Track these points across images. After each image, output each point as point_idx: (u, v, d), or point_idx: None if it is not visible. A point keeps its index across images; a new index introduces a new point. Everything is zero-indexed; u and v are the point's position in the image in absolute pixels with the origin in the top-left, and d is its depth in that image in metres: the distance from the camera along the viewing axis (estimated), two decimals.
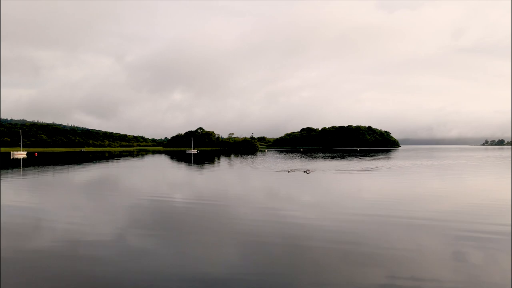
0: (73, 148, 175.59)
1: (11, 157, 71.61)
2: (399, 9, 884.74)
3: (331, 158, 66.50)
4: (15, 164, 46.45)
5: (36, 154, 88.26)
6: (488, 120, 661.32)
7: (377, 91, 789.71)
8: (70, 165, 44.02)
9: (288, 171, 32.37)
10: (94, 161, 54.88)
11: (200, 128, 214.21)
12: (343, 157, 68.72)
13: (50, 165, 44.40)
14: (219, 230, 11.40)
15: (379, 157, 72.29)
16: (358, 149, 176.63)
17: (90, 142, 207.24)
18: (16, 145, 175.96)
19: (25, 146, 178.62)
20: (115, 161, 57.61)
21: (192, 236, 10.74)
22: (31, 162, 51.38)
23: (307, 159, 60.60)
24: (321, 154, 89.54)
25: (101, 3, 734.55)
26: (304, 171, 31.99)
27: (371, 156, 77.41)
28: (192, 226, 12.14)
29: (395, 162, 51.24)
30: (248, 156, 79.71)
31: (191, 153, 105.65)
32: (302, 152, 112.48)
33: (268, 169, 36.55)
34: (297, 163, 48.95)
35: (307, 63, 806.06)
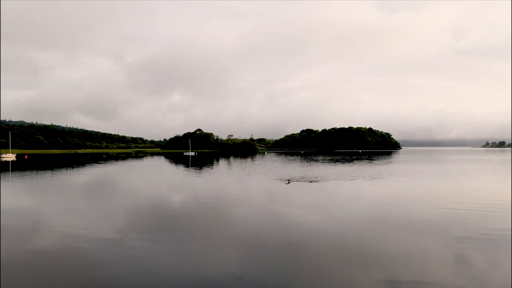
0: (69, 150, 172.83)
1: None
2: (399, 10, 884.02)
3: (335, 161, 63.45)
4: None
5: (26, 156, 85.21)
6: (488, 121, 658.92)
7: (377, 92, 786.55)
8: (54, 169, 41.15)
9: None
10: (82, 165, 51.98)
11: (199, 129, 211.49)
12: (348, 161, 65.74)
13: (33, 169, 41.42)
14: (218, 232, 11.50)
15: (387, 160, 69.48)
16: (360, 151, 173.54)
17: (87, 143, 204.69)
18: (12, 146, 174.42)
19: (21, 147, 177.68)
20: (107, 164, 54.75)
21: (191, 239, 10.75)
22: (18, 165, 48.48)
23: (309, 163, 57.62)
24: (324, 157, 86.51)
25: (101, 3, 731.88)
26: (310, 181, 27.07)
27: (378, 159, 74.49)
28: (189, 228, 12.15)
29: (413, 167, 46.90)
30: (247, 159, 76.83)
31: (189, 155, 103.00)
32: (302, 155, 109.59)
33: (268, 177, 33.63)
34: (301, 168, 46.01)
35: (307, 63, 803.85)
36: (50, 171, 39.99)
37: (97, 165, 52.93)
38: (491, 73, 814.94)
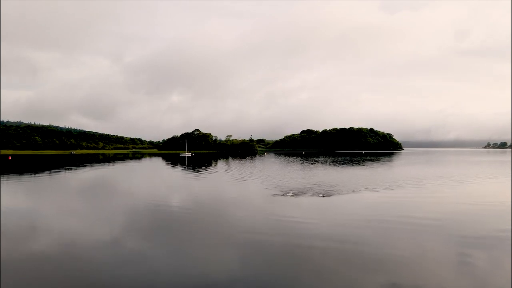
0: (63, 151, 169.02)
1: None
2: (400, 10, 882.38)
3: (342, 163, 59.26)
4: None
5: (9, 157, 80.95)
6: (487, 122, 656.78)
7: (377, 92, 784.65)
8: (29, 172, 36.93)
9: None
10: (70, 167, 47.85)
11: (197, 130, 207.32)
12: (356, 162, 61.59)
13: (8, 173, 37.15)
14: (217, 233, 11.38)
15: (402, 161, 65.44)
16: (363, 152, 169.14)
17: (84, 144, 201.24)
18: (6, 147, 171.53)
19: (15, 148, 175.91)
20: (94, 166, 50.63)
21: (189, 241, 10.54)
22: None
23: (313, 165, 53.50)
24: (327, 159, 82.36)
25: (101, 3, 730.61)
26: (322, 195, 19.18)
27: (390, 160, 70.40)
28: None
29: (448, 170, 42.21)
30: (246, 160, 72.70)
31: (185, 156, 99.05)
32: (303, 156, 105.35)
33: (264, 185, 29.27)
34: (305, 171, 41.92)
35: (307, 63, 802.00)
36: (20, 174, 35.93)
37: (84, 167, 48.86)
38: (491, 74, 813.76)
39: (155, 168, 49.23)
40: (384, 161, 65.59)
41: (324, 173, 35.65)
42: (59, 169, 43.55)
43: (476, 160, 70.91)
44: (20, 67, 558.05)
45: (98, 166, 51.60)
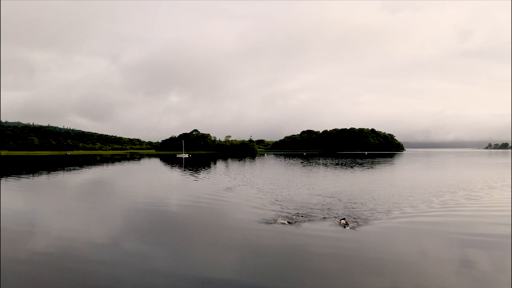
0: (59, 152, 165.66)
1: None
2: (402, 10, 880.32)
3: (350, 166, 55.57)
4: None
5: None
6: (486, 123, 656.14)
7: (377, 94, 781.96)
8: (11, 175, 33.25)
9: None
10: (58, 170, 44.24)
11: (195, 130, 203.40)
12: (365, 165, 57.88)
13: None
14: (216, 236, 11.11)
15: (413, 164, 61.84)
16: (366, 153, 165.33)
17: (80, 145, 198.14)
18: (2, 147, 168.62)
19: (10, 148, 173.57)
20: (82, 169, 47.09)
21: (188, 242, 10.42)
22: None
23: (318, 169, 49.91)
24: (330, 160, 78.73)
25: (100, 3, 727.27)
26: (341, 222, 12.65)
27: (403, 162, 66.81)
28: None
29: (484, 173, 38.12)
30: (245, 161, 69.18)
31: (182, 157, 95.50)
32: (305, 157, 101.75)
33: (260, 198, 24.81)
34: (309, 177, 38.28)
35: (307, 64, 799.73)
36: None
37: (68, 170, 45.29)
38: (491, 75, 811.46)
39: (145, 172, 45.67)
40: (394, 163, 62.05)
41: (336, 180, 29.36)
42: (44, 171, 40.00)
43: (496, 162, 67.37)
44: (18, 67, 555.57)
45: (87, 168, 48.04)
